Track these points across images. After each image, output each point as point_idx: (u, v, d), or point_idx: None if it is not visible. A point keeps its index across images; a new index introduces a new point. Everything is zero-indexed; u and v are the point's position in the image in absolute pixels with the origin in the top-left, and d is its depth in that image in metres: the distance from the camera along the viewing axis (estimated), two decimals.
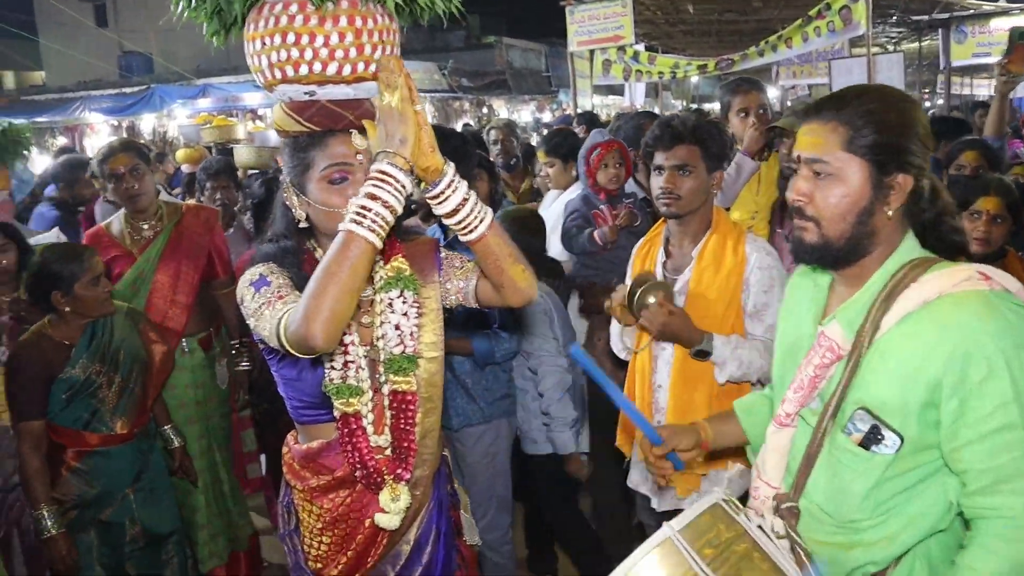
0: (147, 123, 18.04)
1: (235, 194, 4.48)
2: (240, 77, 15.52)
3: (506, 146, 5.35)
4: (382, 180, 1.50)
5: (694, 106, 30.86)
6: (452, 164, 1.63)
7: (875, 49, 12.00)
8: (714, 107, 34.52)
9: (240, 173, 5.60)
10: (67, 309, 2.87)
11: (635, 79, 12.51)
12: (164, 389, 3.36)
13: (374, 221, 1.48)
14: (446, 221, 1.66)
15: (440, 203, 1.63)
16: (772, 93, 26.69)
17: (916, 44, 18.52)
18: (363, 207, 1.49)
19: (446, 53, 25.09)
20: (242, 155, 5.50)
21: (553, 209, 4.08)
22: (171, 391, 3.46)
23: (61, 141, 19.04)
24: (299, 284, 1.70)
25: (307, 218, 1.78)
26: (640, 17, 12.88)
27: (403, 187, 1.51)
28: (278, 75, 1.66)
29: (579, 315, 3.73)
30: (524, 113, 26.18)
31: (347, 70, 1.65)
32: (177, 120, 17.64)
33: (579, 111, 13.76)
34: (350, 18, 1.62)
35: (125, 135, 18.68)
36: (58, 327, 2.92)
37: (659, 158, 2.59)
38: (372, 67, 1.68)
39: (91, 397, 2.90)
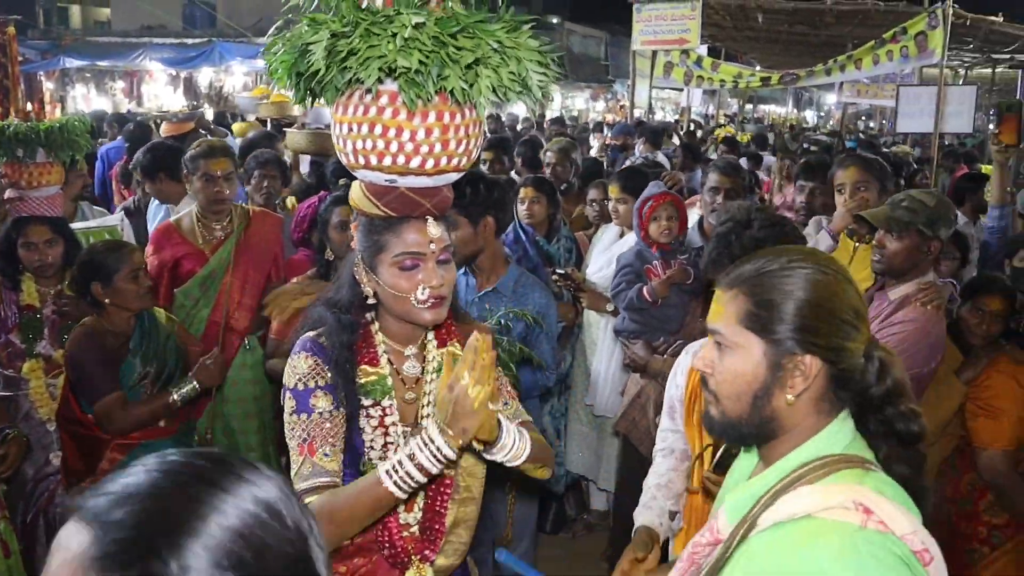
0: (204, 76, 18.23)
1: (279, 184, 4.49)
2: None
3: (558, 171, 5.18)
4: (428, 447, 1.57)
5: (749, 107, 30.47)
6: (504, 426, 1.68)
7: (947, 72, 11.70)
8: (769, 109, 34.08)
9: (291, 156, 5.61)
10: (107, 301, 2.90)
11: (696, 84, 12.31)
12: (227, 385, 3.42)
13: (403, 480, 1.57)
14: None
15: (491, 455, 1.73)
16: (830, 100, 26.13)
17: (989, 70, 18.06)
18: (400, 464, 1.57)
19: None
20: (295, 140, 5.46)
21: (613, 248, 4.01)
22: (233, 387, 3.51)
23: (120, 85, 19.33)
24: (344, 387, 1.75)
25: (374, 294, 1.78)
26: (708, 20, 12.65)
27: (446, 461, 1.58)
28: (361, 161, 1.65)
29: (622, 369, 3.68)
30: (578, 100, 26.02)
31: (430, 164, 1.63)
32: (234, 76, 17.78)
33: (639, 115, 13.64)
34: (439, 113, 1.60)
35: (183, 86, 18.92)
36: (106, 321, 2.94)
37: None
38: (454, 160, 1.66)
39: (141, 390, 2.93)
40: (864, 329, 1.34)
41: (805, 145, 11.97)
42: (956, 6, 10.26)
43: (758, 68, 18.93)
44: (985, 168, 8.38)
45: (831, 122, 27.96)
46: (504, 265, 3.11)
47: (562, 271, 3.76)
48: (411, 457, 1.57)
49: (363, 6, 1.59)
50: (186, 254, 3.57)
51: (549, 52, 1.65)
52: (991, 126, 20.14)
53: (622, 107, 23.79)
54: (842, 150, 10.80)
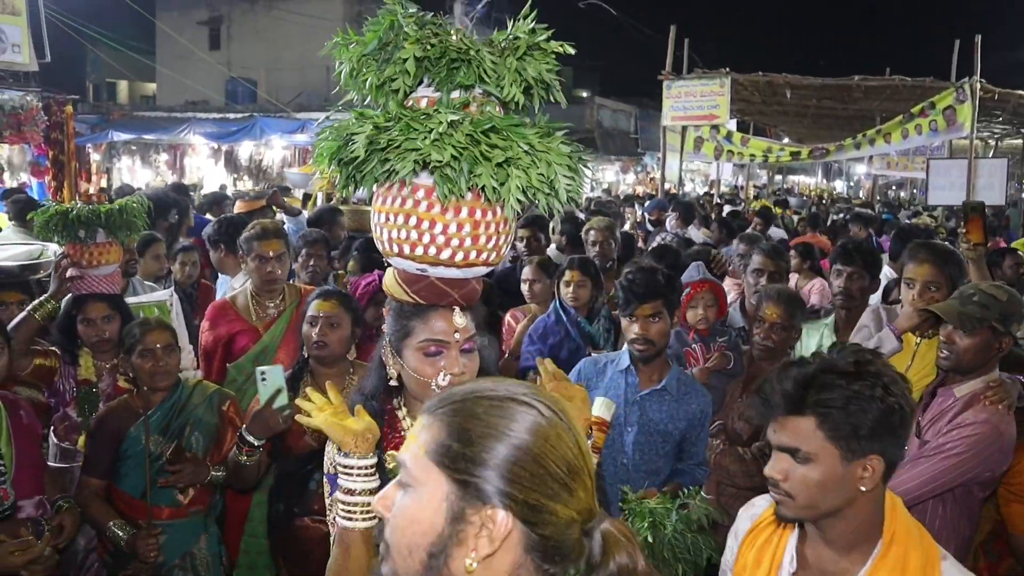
0: (245, 149, 18.77)
1: (325, 263, 4.63)
2: (343, 115, 16.00)
3: (604, 248, 5.12)
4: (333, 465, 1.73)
5: (779, 177, 30.62)
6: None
7: (977, 144, 11.73)
8: (799, 179, 34.13)
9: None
10: (130, 375, 3.07)
11: (726, 159, 12.49)
12: None
13: (346, 510, 1.68)
14: None
15: None
16: (859, 170, 26.21)
17: (1020, 141, 18.09)
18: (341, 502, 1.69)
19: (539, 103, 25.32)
20: (344, 219, 5.67)
21: None
22: None
23: (164, 157, 19.96)
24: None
25: (398, 377, 1.85)
26: (736, 96, 12.89)
27: (346, 467, 1.69)
28: (395, 249, 1.75)
29: None
30: (608, 173, 26.33)
31: (459, 257, 1.72)
32: (273, 150, 18.31)
33: (669, 188, 13.80)
34: (471, 210, 1.70)
35: (223, 159, 19.49)
36: (138, 395, 3.07)
37: None
38: (483, 255, 1.75)
39: (148, 466, 2.98)
40: (582, 496, 1.09)
41: (844, 216, 11.89)
42: (983, 80, 10.38)
43: (787, 141, 19.15)
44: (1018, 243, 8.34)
45: (861, 192, 27.99)
46: (668, 363, 3.06)
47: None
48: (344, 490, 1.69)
49: (408, 104, 1.72)
50: (240, 330, 3.68)
51: (578, 157, 1.75)
52: None
53: (652, 180, 24.02)
54: (876, 222, 10.80)
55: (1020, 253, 5.83)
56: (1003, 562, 2.96)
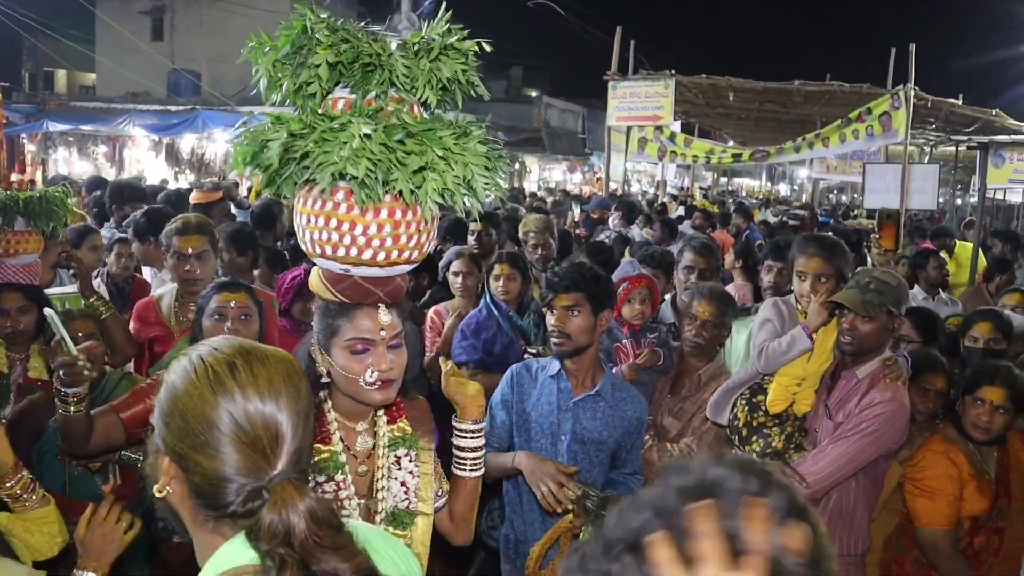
0: (187, 142, 18.39)
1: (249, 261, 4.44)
2: (281, 109, 15.81)
3: (545, 251, 5.09)
4: None
5: (724, 179, 31.14)
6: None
7: (912, 150, 12.07)
8: (743, 182, 34.76)
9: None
10: (51, 366, 2.86)
11: (669, 159, 12.63)
12: None
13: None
14: (460, 453, 2.03)
15: (470, 437, 2.03)
16: (802, 173, 26.85)
17: (952, 148, 18.65)
18: None
19: (484, 101, 25.26)
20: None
21: None
22: None
23: (102, 149, 19.46)
24: None
25: (327, 374, 1.87)
26: (681, 98, 13.05)
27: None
28: (318, 251, 1.76)
29: None
30: (555, 172, 26.45)
31: (381, 256, 1.74)
32: (216, 144, 17.97)
33: (615, 188, 13.91)
34: (390, 211, 1.71)
35: (164, 152, 19.08)
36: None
37: None
38: (405, 254, 1.76)
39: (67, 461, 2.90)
40: (238, 458, 1.14)
41: (783, 219, 12.23)
42: (918, 88, 10.68)
43: (731, 144, 19.46)
44: (960, 245, 8.63)
45: (804, 196, 28.63)
46: (601, 368, 2.91)
47: (533, 351, 3.76)
48: None
49: (321, 111, 1.72)
50: (157, 336, 3.47)
51: (496, 156, 1.77)
52: (958, 201, 20.64)
53: (599, 179, 24.24)
54: (813, 224, 11.07)
55: (942, 255, 6.02)
56: (909, 554, 3.06)
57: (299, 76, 1.75)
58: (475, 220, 5.60)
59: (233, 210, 6.18)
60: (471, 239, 5.50)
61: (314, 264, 1.86)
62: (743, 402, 3.04)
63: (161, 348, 3.44)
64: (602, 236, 7.62)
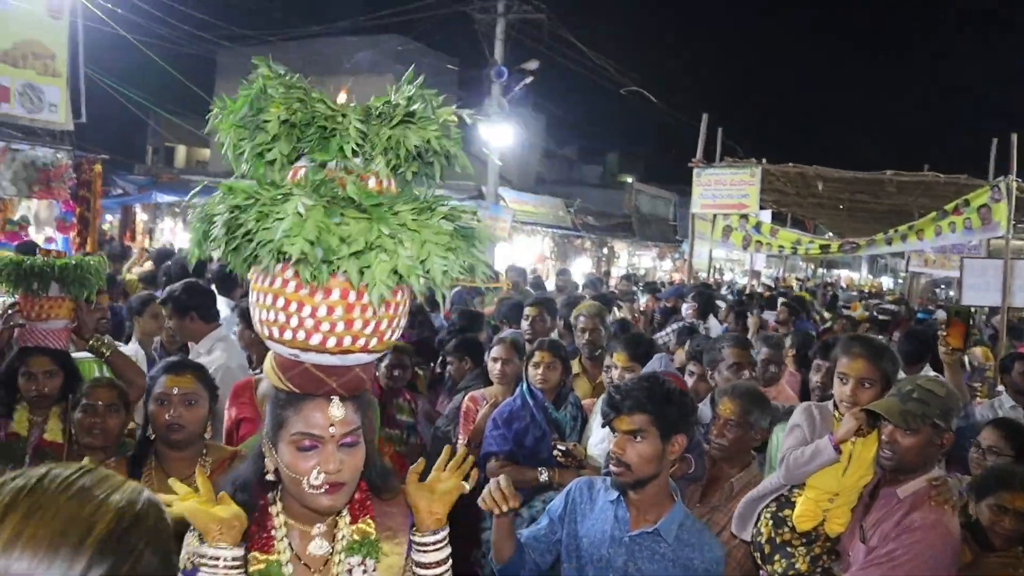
0: None
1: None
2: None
3: (593, 337, 4.89)
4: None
5: (822, 271, 30.20)
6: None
7: (1016, 243, 11.35)
8: (842, 273, 33.63)
9: None
10: (72, 430, 3.10)
11: (754, 249, 12.28)
12: None
13: None
14: (422, 572, 1.76)
15: (432, 550, 1.76)
16: (903, 265, 25.84)
17: None
18: None
19: (580, 186, 25.48)
20: None
21: None
22: None
23: None
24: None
25: (275, 471, 1.69)
26: (770, 186, 12.77)
27: (231, 563, 1.60)
28: (267, 332, 1.61)
29: None
30: (645, 259, 26.24)
31: (331, 342, 1.56)
32: None
33: (703, 276, 13.59)
34: (343, 292, 1.54)
35: None
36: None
37: None
38: (360, 341, 1.59)
39: None
40: None
41: (873, 313, 11.66)
42: (1020, 180, 10.13)
43: (829, 235, 18.88)
44: None
45: (907, 289, 27.44)
46: (670, 500, 2.48)
47: (563, 447, 3.58)
48: None
49: (268, 180, 1.60)
50: (246, 418, 3.43)
51: (468, 233, 1.60)
52: None
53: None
54: (910, 319, 10.47)
55: None
56: None
57: (256, 139, 1.64)
58: (532, 306, 5.52)
59: None
60: (524, 324, 5.39)
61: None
62: (768, 516, 2.75)
63: (246, 431, 3.37)
64: (670, 327, 7.36)
